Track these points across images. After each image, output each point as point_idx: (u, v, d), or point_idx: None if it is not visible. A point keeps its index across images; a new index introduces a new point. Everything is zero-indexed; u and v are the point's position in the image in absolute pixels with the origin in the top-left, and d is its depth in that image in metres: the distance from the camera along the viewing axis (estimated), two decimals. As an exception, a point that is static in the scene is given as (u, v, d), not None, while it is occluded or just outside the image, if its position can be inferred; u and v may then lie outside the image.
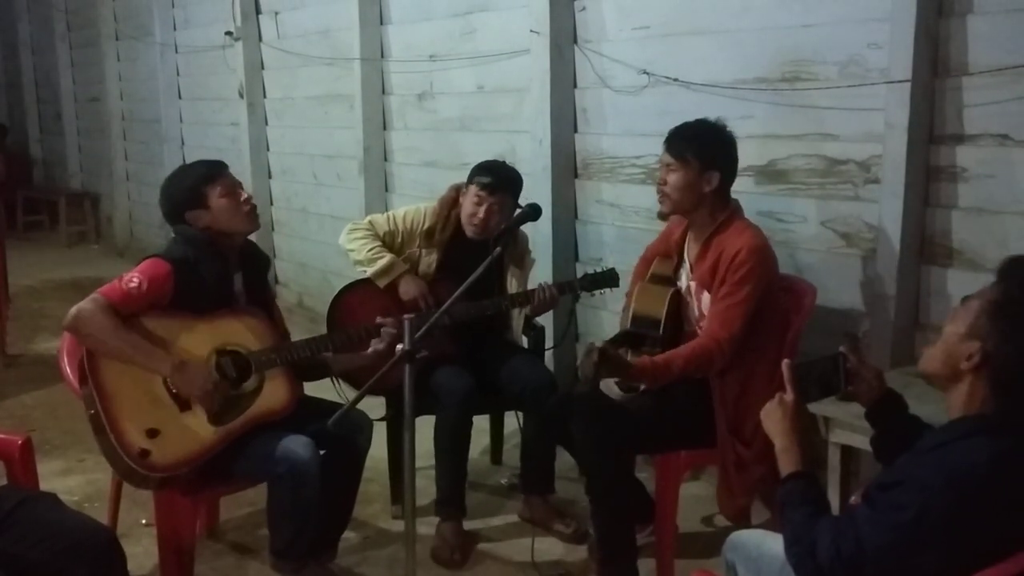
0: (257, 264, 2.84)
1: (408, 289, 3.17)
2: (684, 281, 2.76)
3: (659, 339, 2.69)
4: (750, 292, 2.52)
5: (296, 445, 2.49)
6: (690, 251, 2.75)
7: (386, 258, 3.19)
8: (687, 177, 2.61)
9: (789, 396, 1.79)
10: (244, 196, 2.67)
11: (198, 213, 2.62)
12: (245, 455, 2.52)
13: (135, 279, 2.46)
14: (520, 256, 3.32)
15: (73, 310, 2.40)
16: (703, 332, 2.59)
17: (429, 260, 3.24)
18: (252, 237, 2.81)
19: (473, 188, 3.16)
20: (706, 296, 2.64)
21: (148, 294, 2.46)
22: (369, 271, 3.19)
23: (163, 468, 2.42)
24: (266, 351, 2.62)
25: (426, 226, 3.25)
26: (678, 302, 2.75)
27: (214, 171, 2.67)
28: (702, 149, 2.62)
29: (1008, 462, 1.49)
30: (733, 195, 2.79)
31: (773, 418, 1.79)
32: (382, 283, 3.18)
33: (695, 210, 2.67)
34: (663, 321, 2.70)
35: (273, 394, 2.61)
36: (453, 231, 3.24)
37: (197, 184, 2.63)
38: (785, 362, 1.83)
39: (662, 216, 2.77)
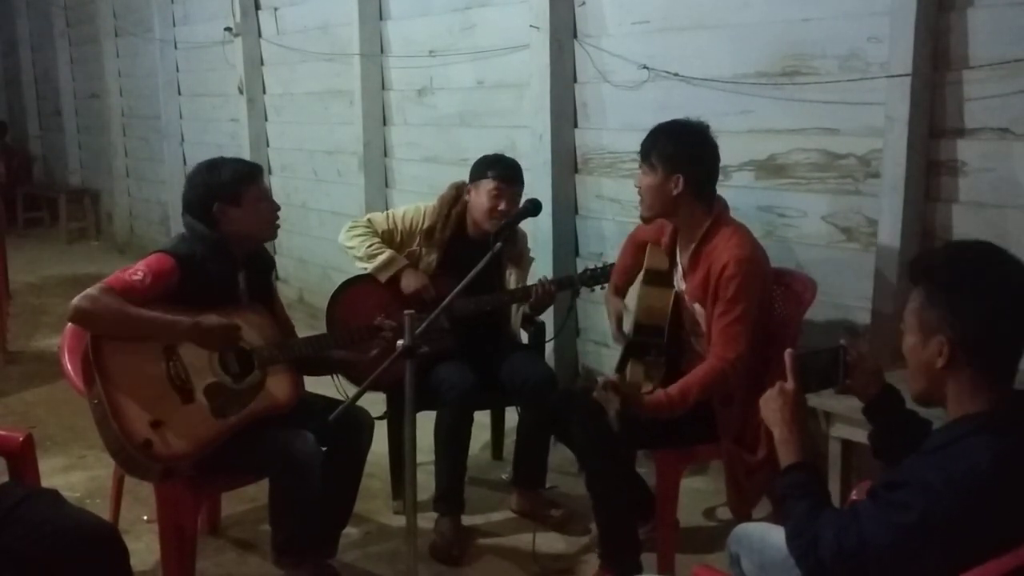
0: (262, 264, 2.85)
1: (409, 283, 3.17)
2: (678, 285, 2.74)
3: (663, 346, 2.68)
4: (746, 306, 2.49)
5: (297, 440, 2.50)
6: (681, 256, 2.72)
7: (386, 253, 3.19)
8: (654, 181, 2.59)
9: (789, 385, 1.79)
10: (274, 207, 2.72)
11: (227, 209, 2.61)
12: (247, 449, 2.52)
13: (139, 272, 2.46)
14: (519, 254, 3.32)
15: (75, 300, 2.38)
16: (711, 354, 2.53)
17: (429, 259, 3.23)
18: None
19: (490, 182, 3.14)
20: (698, 307, 2.62)
21: (151, 288, 2.46)
22: (369, 267, 3.19)
23: (166, 458, 2.42)
24: (269, 347, 2.64)
25: (426, 225, 3.24)
26: (679, 305, 2.73)
27: (256, 173, 2.70)
28: (664, 152, 2.57)
29: (1010, 461, 1.48)
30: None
31: (772, 407, 1.78)
32: (383, 277, 3.18)
33: (674, 213, 2.63)
34: (666, 329, 2.68)
35: (275, 389, 2.62)
36: (453, 230, 3.24)
37: (238, 181, 2.62)
38: (788, 351, 1.82)
39: (644, 220, 2.73)
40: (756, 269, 2.54)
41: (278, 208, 2.75)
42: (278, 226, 2.78)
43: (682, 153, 2.58)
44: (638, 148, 2.69)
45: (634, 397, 2.44)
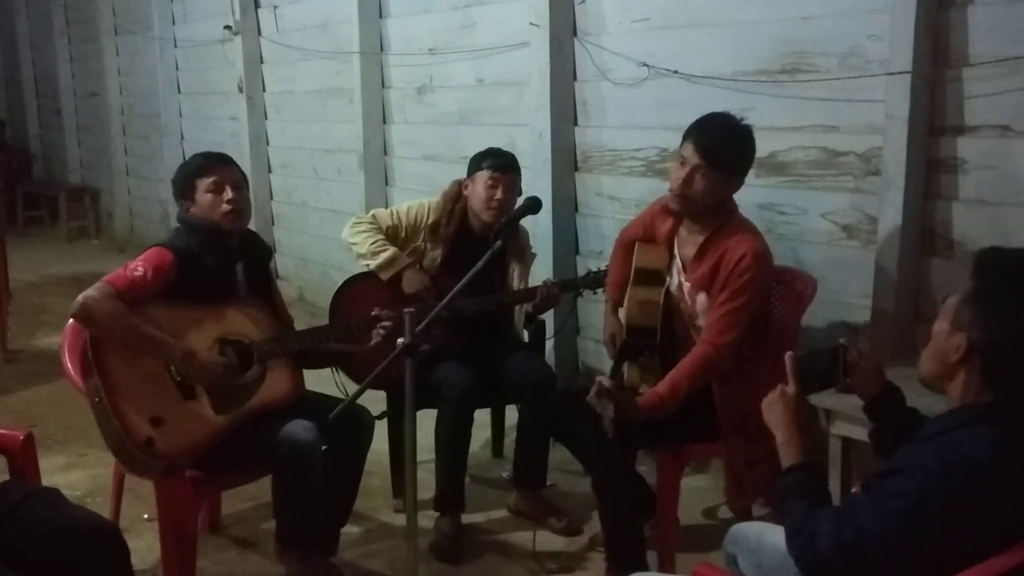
0: (259, 254, 2.85)
1: (411, 283, 3.17)
2: (676, 279, 2.71)
3: (656, 347, 2.67)
4: (749, 299, 2.50)
5: (298, 429, 2.50)
6: (683, 247, 2.68)
7: (389, 251, 3.19)
8: (716, 183, 2.50)
9: (790, 389, 1.80)
10: (228, 196, 2.61)
11: (186, 203, 2.66)
12: (249, 443, 2.53)
13: (139, 268, 2.48)
14: (521, 251, 3.32)
15: (80, 298, 2.40)
16: (701, 339, 2.53)
17: (434, 255, 3.24)
18: (254, 228, 2.81)
19: (484, 173, 3.16)
20: (702, 296, 2.60)
21: (152, 282, 2.48)
22: (372, 264, 3.19)
23: (167, 456, 2.42)
24: (268, 341, 2.64)
25: (430, 221, 3.25)
26: (670, 303, 2.71)
27: (208, 164, 2.67)
28: (739, 157, 2.54)
29: (1007, 451, 1.49)
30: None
31: (774, 411, 1.80)
32: (385, 276, 3.18)
33: (708, 211, 2.57)
34: (659, 328, 2.67)
35: (276, 383, 2.63)
36: (458, 225, 3.24)
37: (190, 175, 2.67)
38: (788, 354, 1.84)
39: (676, 213, 2.63)
40: (767, 266, 2.57)
41: (234, 198, 2.61)
42: (239, 217, 2.65)
43: (748, 160, 2.57)
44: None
45: (627, 402, 2.43)
